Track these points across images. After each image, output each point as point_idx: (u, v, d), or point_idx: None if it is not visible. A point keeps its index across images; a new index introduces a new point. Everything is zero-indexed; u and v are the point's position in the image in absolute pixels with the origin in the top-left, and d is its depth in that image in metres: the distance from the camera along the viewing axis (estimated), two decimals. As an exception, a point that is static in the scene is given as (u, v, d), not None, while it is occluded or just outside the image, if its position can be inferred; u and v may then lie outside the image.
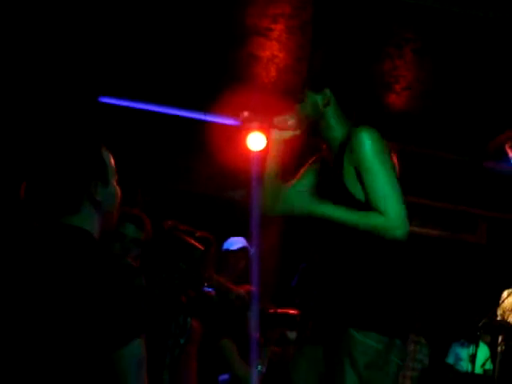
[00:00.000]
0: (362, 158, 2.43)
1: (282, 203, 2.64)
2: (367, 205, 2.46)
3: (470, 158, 6.00)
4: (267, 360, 4.53)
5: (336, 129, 2.59)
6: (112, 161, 1.89)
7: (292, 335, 4.70)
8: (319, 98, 2.59)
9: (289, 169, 2.79)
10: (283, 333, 4.67)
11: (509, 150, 5.46)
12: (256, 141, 5.73)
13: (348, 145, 2.50)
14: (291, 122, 2.68)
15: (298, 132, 2.69)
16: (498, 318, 6.52)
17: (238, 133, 5.78)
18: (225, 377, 4.47)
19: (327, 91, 2.59)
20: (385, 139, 2.49)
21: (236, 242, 5.02)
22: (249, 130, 5.66)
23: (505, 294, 6.41)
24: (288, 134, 2.70)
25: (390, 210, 2.39)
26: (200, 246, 3.57)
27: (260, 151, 5.81)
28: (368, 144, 2.42)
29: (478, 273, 7.15)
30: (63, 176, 1.76)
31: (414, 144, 5.87)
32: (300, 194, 2.64)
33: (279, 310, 4.79)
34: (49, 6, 4.35)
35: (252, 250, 5.04)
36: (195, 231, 3.91)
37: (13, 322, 1.64)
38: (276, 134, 2.74)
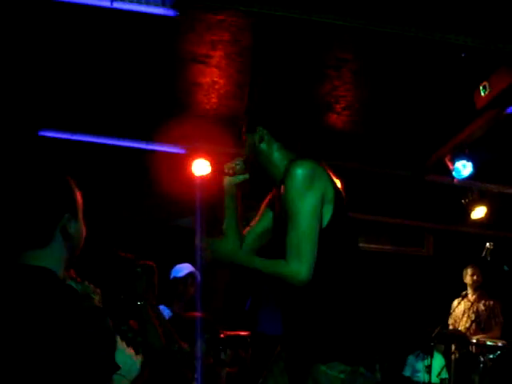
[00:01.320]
0: (287, 199, 2.47)
1: (214, 254, 2.68)
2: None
3: (412, 173, 6.11)
4: (224, 382, 4.51)
5: (276, 164, 2.63)
6: (79, 197, 1.84)
7: (246, 355, 4.71)
8: (255, 137, 2.63)
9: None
10: (236, 353, 4.67)
11: (449, 163, 5.60)
12: (200, 167, 5.74)
13: (284, 182, 2.53)
14: (239, 166, 2.76)
15: (247, 175, 2.78)
16: (450, 327, 6.64)
17: (183, 160, 5.78)
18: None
19: (259, 128, 2.63)
20: (321, 167, 2.49)
21: (182, 269, 4.99)
22: (193, 157, 5.68)
23: (455, 303, 6.54)
24: (239, 178, 2.78)
25: (294, 259, 2.42)
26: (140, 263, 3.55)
27: (204, 177, 5.82)
28: (296, 181, 2.44)
29: (427, 284, 7.28)
30: (36, 206, 1.71)
31: (357, 161, 5.96)
32: (226, 244, 2.72)
33: (230, 333, 4.78)
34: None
35: (198, 276, 5.01)
36: (137, 259, 3.87)
37: None
38: (228, 180, 2.80)
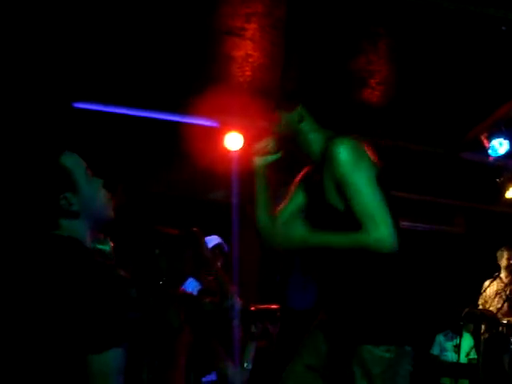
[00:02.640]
0: (340, 172, 2.41)
1: (275, 242, 2.62)
2: (351, 216, 2.42)
3: (446, 150, 6.03)
4: (253, 356, 4.54)
5: (314, 143, 2.58)
6: (80, 161, 1.83)
7: (274, 329, 4.72)
8: (292, 116, 2.57)
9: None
10: (266, 327, 4.70)
11: (485, 141, 5.51)
12: (233, 141, 5.73)
13: (326, 159, 2.49)
14: (271, 145, 2.69)
15: (278, 154, 2.71)
16: (480, 308, 6.59)
17: (216, 133, 5.78)
18: (210, 378, 4.46)
19: (299, 108, 2.58)
20: (362, 142, 2.48)
21: (210, 240, 5.02)
22: (226, 130, 5.68)
23: (486, 283, 6.48)
24: (270, 157, 2.71)
25: (374, 225, 2.35)
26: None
27: (238, 151, 5.81)
28: (343, 157, 2.40)
29: (457, 263, 7.22)
30: (30, 200, 1.73)
31: (390, 138, 5.90)
32: (288, 227, 2.57)
33: (260, 306, 4.80)
34: (21, 11, 4.30)
35: (227, 247, 5.05)
36: (172, 231, 3.90)
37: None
38: (258, 160, 2.73)
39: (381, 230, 2.35)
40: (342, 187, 2.43)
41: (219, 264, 4.82)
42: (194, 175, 6.40)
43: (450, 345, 7.05)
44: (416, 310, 2.54)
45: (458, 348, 6.26)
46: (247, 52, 4.79)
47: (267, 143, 2.70)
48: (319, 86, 2.70)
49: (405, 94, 5.28)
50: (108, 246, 3.22)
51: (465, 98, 5.18)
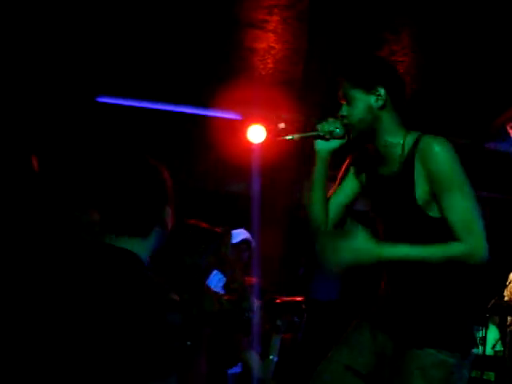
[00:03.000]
0: (441, 174, 2.21)
1: (343, 255, 2.26)
2: (441, 221, 2.26)
3: (471, 141, 5.98)
4: (278, 348, 4.55)
5: (394, 133, 2.32)
6: (171, 186, 1.86)
7: (299, 321, 4.71)
8: (372, 99, 2.29)
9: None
10: (291, 320, 4.69)
11: (510, 131, 5.44)
12: (256, 133, 5.73)
13: (418, 154, 2.26)
14: (338, 129, 2.36)
15: (344, 140, 2.39)
16: (506, 299, 6.53)
17: (238, 126, 5.78)
18: (235, 370, 4.48)
19: (382, 91, 2.29)
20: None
21: (237, 235, 5.03)
22: (249, 123, 5.69)
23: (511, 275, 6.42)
24: (335, 143, 2.39)
25: (469, 236, 2.21)
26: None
27: (260, 144, 5.81)
28: (446, 159, 2.21)
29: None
30: (140, 202, 1.74)
31: (414, 129, 5.84)
32: (360, 238, 2.26)
33: (285, 299, 4.80)
34: (45, 6, 4.33)
35: (254, 242, 5.05)
36: (200, 223, 3.91)
37: (52, 339, 1.60)
38: (321, 144, 2.40)
39: (477, 241, 2.21)
40: (438, 190, 2.23)
41: (246, 258, 4.84)
42: (217, 168, 6.41)
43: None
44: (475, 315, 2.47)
45: (483, 340, 6.21)
46: (269, 44, 4.78)
47: (335, 125, 2.36)
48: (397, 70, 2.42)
49: (428, 85, 5.24)
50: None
51: (489, 88, 5.12)
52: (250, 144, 5.75)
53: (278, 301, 4.54)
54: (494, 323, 6.72)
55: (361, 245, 2.24)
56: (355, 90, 2.30)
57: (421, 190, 2.26)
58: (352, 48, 4.55)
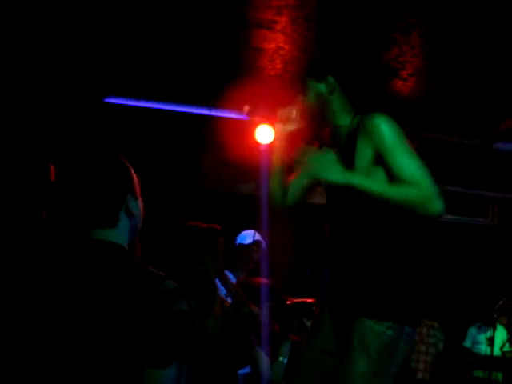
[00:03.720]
0: (384, 139, 2.40)
1: (309, 170, 2.57)
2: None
3: (480, 141, 5.96)
4: (289, 350, 4.54)
5: (342, 116, 2.57)
6: (135, 175, 1.89)
7: (310, 323, 4.69)
8: (322, 87, 2.56)
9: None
10: (301, 321, 4.69)
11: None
12: (264, 134, 5.72)
13: (361, 130, 2.48)
14: (295, 113, 2.66)
15: (302, 123, 2.68)
16: (516, 299, 6.52)
17: (246, 126, 5.77)
18: (245, 371, 4.48)
19: (330, 78, 2.55)
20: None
21: (248, 236, 5.04)
22: (257, 124, 5.67)
23: (521, 275, 6.42)
24: (293, 126, 2.69)
25: (424, 182, 2.35)
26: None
27: (268, 144, 5.80)
28: (387, 127, 2.41)
29: (491, 255, 7.13)
30: (102, 190, 1.77)
31: (422, 129, 5.84)
32: (327, 163, 2.53)
33: (296, 300, 4.79)
34: (52, 6, 4.33)
35: (264, 243, 5.04)
36: (200, 224, 3.91)
37: (50, 339, 1.62)
38: (279, 127, 2.75)
39: (430, 190, 2.34)
40: (384, 155, 2.41)
41: (257, 259, 4.83)
42: (224, 168, 6.41)
43: (482, 337, 6.99)
44: (421, 294, 2.54)
45: (491, 341, 6.21)
46: (278, 45, 4.77)
47: (291, 111, 2.67)
48: (352, 60, 2.65)
49: (437, 85, 5.22)
50: None
51: (499, 88, 5.10)
52: (258, 144, 5.74)
53: (288, 302, 4.54)
54: (501, 323, 6.71)
55: (334, 165, 2.52)
56: (309, 80, 2.60)
57: (362, 160, 2.48)
58: (361, 48, 4.54)
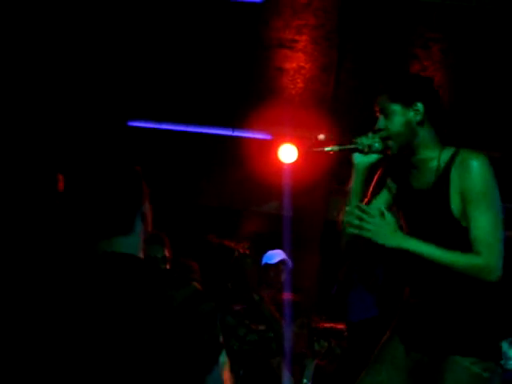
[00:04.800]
0: (472, 189, 2.25)
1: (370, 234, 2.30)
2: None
3: (502, 153, 5.92)
4: (312, 373, 4.49)
5: (431, 148, 2.35)
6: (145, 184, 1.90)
7: (338, 349, 4.64)
8: (411, 114, 2.32)
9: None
10: (330, 346, 4.63)
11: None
12: (287, 153, 5.74)
13: (455, 168, 2.29)
14: (377, 144, 2.38)
15: (382, 155, 2.42)
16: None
17: (269, 146, 5.80)
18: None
19: (420, 105, 2.33)
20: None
21: (275, 256, 5.01)
22: (280, 143, 5.70)
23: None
24: (373, 157, 2.42)
25: (488, 252, 2.24)
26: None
27: (291, 163, 5.82)
28: (481, 174, 2.24)
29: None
30: (121, 197, 1.76)
31: (446, 142, 5.80)
32: (390, 227, 2.30)
33: (326, 324, 4.75)
34: (79, 30, 4.41)
35: (290, 262, 5.03)
36: (236, 245, 3.92)
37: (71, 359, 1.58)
38: (359, 158, 2.43)
39: (494, 259, 2.24)
40: (467, 204, 2.27)
41: (283, 278, 4.81)
42: (249, 188, 6.43)
43: (514, 352, 6.88)
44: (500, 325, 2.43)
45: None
46: (299, 64, 4.80)
47: (374, 140, 2.39)
48: (375, 83, 2.47)
49: (459, 99, 5.21)
50: (160, 253, 3.27)
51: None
52: (282, 164, 5.75)
53: (319, 325, 4.50)
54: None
55: (389, 226, 2.28)
56: (394, 104, 2.33)
57: (457, 202, 2.30)
58: (383, 65, 4.55)
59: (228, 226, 6.09)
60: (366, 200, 2.54)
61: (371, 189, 2.56)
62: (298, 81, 5.05)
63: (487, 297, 2.35)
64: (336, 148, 2.42)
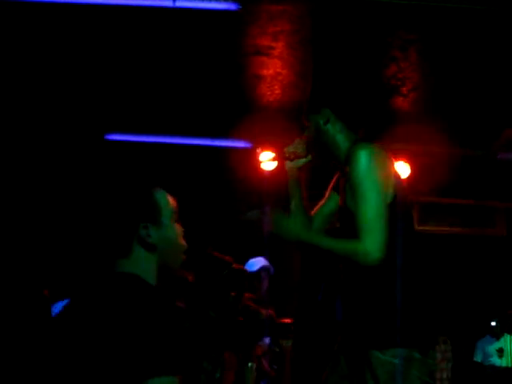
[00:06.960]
0: (354, 178, 2.45)
1: (281, 230, 2.60)
2: None
3: (482, 152, 5.97)
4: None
5: (340, 145, 2.61)
6: (171, 201, 1.85)
7: (287, 343, 4.61)
8: (319, 118, 2.61)
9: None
10: (277, 341, 4.60)
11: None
12: (268, 161, 5.72)
13: (348, 163, 2.52)
14: (300, 149, 2.75)
15: (309, 157, 2.76)
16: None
17: (249, 154, 5.78)
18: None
19: (325, 110, 2.61)
20: (386, 152, 2.50)
21: (255, 264, 4.99)
22: (260, 152, 5.69)
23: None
24: (301, 161, 2.78)
25: (366, 237, 2.39)
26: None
27: (272, 171, 5.80)
28: (361, 164, 2.43)
29: (500, 266, 7.10)
30: (111, 221, 1.75)
31: (425, 143, 5.84)
32: (295, 222, 2.65)
33: (281, 321, 4.71)
34: (55, 46, 4.36)
35: (272, 268, 5.01)
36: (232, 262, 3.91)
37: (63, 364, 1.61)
38: (289, 164, 2.80)
39: (372, 243, 2.39)
40: (352, 192, 2.47)
41: (266, 285, 4.78)
42: (230, 196, 6.40)
43: (492, 349, 6.93)
44: (427, 315, 2.50)
45: (501, 352, 6.20)
46: (276, 70, 4.79)
47: (297, 146, 2.76)
48: (345, 91, 2.70)
49: (437, 99, 5.24)
50: None
51: (499, 99, 5.12)
52: (262, 171, 5.73)
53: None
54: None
55: (291, 225, 2.58)
56: (310, 115, 2.67)
57: (348, 194, 2.55)
58: (360, 68, 4.55)
59: (211, 234, 6.05)
60: (320, 203, 2.83)
61: (326, 194, 2.83)
62: (276, 87, 5.04)
63: (382, 296, 2.45)
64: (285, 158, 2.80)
